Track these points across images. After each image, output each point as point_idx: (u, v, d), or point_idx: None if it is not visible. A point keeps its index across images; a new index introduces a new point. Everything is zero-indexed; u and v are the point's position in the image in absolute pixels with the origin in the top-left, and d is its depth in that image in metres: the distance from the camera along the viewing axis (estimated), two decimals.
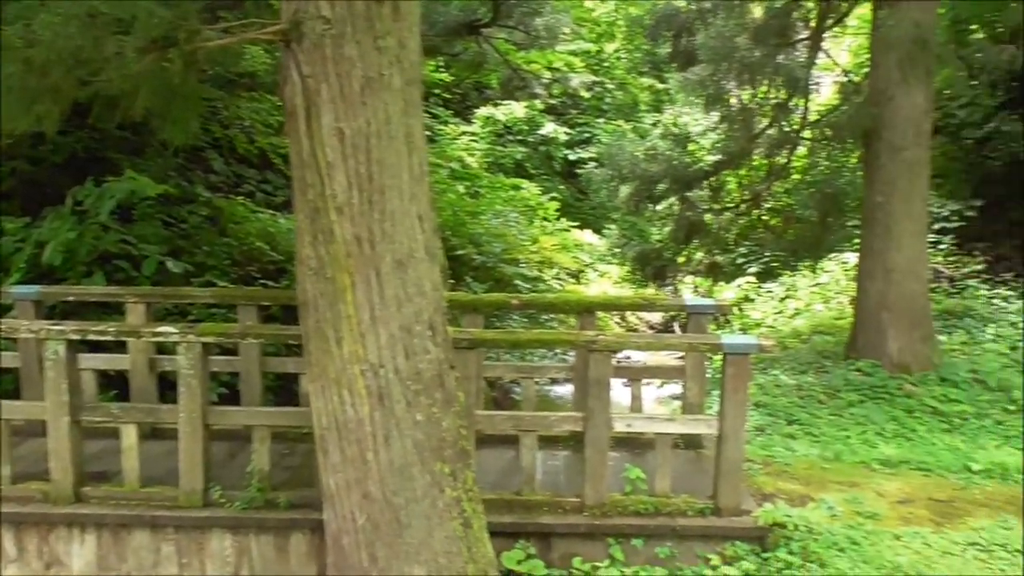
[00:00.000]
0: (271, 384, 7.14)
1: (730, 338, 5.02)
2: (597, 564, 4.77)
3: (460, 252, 11.48)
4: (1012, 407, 7.48)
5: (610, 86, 21.65)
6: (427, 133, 14.98)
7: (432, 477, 3.66)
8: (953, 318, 9.82)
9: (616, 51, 22.34)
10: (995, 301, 10.19)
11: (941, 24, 12.70)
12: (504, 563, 4.60)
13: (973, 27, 13.23)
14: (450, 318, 4.40)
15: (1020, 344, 8.98)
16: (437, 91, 17.49)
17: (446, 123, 17.58)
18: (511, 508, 4.98)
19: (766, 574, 4.68)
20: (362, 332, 3.51)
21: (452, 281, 10.07)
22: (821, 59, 10.49)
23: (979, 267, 11.42)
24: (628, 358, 11.41)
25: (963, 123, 13.18)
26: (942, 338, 9.04)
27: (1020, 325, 9.39)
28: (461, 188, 14.52)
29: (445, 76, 16.08)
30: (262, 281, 8.61)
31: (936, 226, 12.08)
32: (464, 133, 18.02)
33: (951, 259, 11.92)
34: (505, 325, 10.24)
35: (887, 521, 5.28)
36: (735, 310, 12.69)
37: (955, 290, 10.89)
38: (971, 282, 10.94)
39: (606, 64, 21.95)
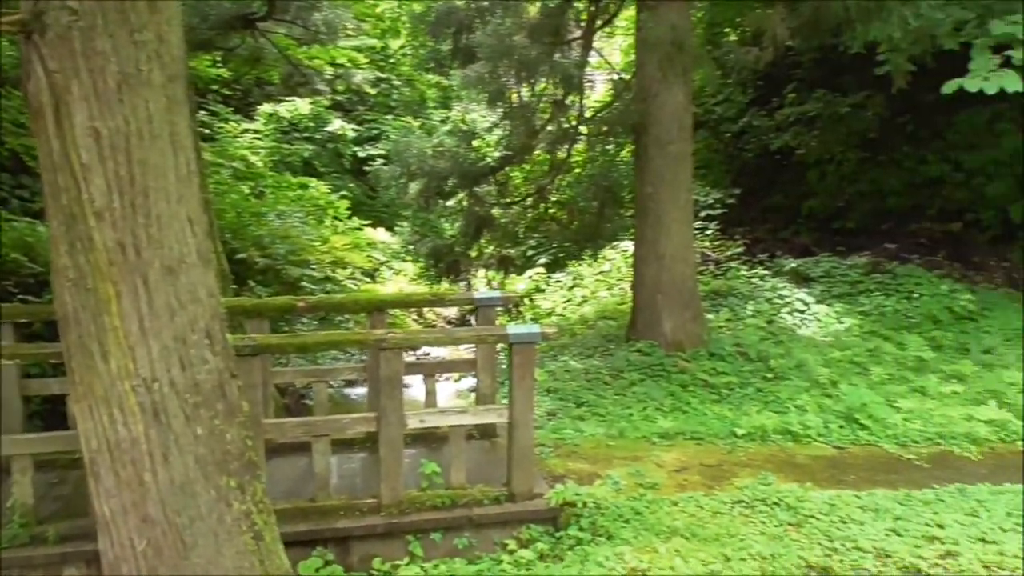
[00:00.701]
0: (38, 408, 6.54)
1: (515, 328, 5.20)
2: (397, 563, 4.78)
3: (243, 255, 11.01)
4: (770, 375, 8.28)
5: (397, 82, 21.59)
6: (206, 131, 14.13)
7: (218, 492, 3.51)
8: (719, 297, 10.71)
9: (402, 47, 22.30)
10: (753, 280, 11.22)
11: (698, 27, 13.78)
12: (301, 572, 4.51)
13: (726, 30, 14.46)
14: (233, 325, 4.24)
15: (775, 318, 9.98)
16: (215, 87, 16.66)
17: (227, 121, 16.79)
18: (306, 516, 4.88)
19: (559, 552, 4.89)
20: (131, 345, 3.30)
21: (235, 286, 9.63)
22: (595, 58, 11.06)
23: (739, 250, 12.53)
24: (428, 354, 11.50)
25: (721, 118, 14.41)
26: (710, 316, 9.84)
27: (774, 301, 10.42)
28: (245, 188, 13.92)
29: (223, 72, 15.35)
30: (21, 296, 7.83)
31: (702, 213, 13.15)
32: (247, 131, 17.30)
33: (716, 243, 13.00)
34: (295, 330, 9.97)
35: (666, 489, 5.69)
36: (527, 301, 13.11)
37: (720, 272, 11.88)
38: (733, 264, 11.99)
39: (392, 60, 21.85)
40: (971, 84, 6.81)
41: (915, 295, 10.07)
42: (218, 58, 13.86)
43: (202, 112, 15.34)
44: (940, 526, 4.93)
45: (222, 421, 3.52)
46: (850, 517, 5.12)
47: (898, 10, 6.37)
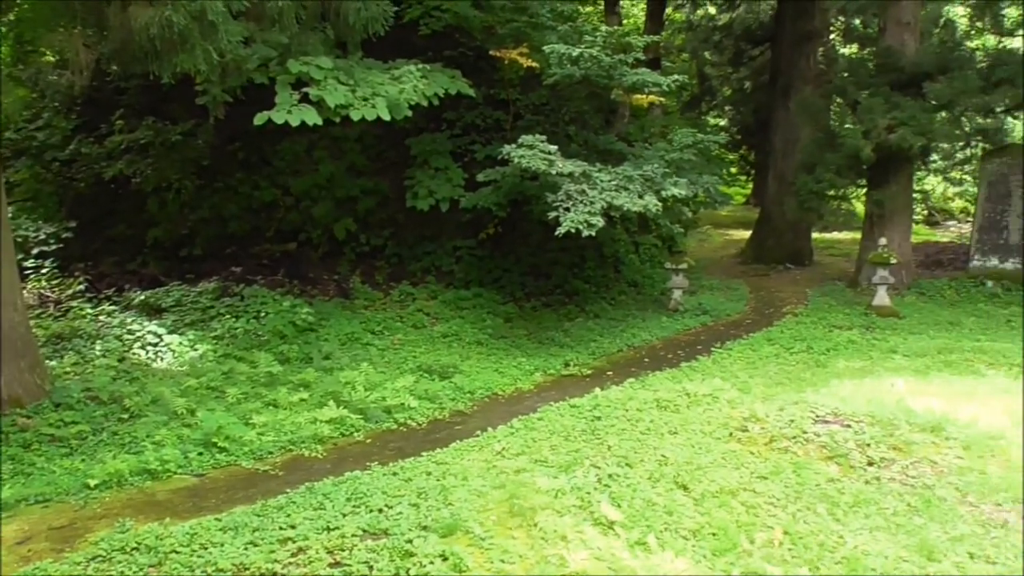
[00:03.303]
0: None
1: None
2: None
3: None
4: (125, 416, 7.88)
5: None
6: None
7: None
8: (62, 341, 9.82)
9: None
10: (101, 317, 10.56)
11: (3, 44, 12.40)
12: None
13: (41, 50, 13.28)
14: None
15: (127, 355, 9.56)
16: None
17: None
18: None
19: None
20: None
21: None
22: None
23: (82, 287, 11.66)
24: None
25: (44, 145, 13.21)
26: (52, 363, 8.97)
27: (125, 337, 9.97)
28: None
29: None
30: None
31: (34, 251, 11.88)
32: None
33: (54, 282, 11.87)
34: None
35: (8, 567, 4.99)
36: None
37: (61, 313, 10.89)
38: (76, 302, 11.09)
39: None
40: (277, 116, 7.50)
41: (262, 314, 10.65)
42: None
43: None
44: (292, 527, 5.28)
45: None
46: (211, 541, 5.16)
47: (201, 44, 6.62)
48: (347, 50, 9.21)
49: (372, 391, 8.49)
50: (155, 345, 9.88)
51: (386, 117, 8.52)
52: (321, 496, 5.83)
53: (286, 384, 8.74)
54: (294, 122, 7.59)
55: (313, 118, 7.74)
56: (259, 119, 7.62)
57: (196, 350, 9.78)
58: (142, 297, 11.19)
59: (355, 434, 7.62)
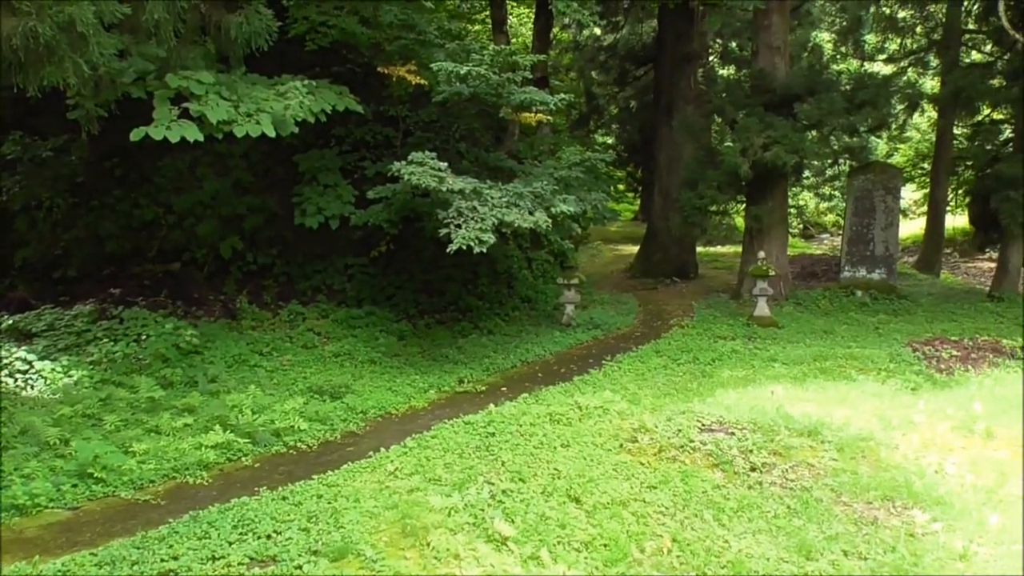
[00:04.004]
0: None
1: None
2: None
3: None
4: None
5: None
6: None
7: None
8: None
9: None
10: None
11: None
12: None
13: None
14: None
15: None
16: None
17: None
18: None
19: None
20: None
21: None
22: None
23: None
24: None
25: None
26: None
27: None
28: None
29: None
30: None
31: None
32: None
33: None
34: None
35: None
36: None
37: None
38: None
39: None
40: (155, 132, 7.23)
41: (143, 337, 10.18)
42: None
43: None
44: (175, 558, 5.08)
45: None
46: None
47: (70, 57, 6.32)
48: (230, 64, 8.97)
49: (260, 414, 8.25)
50: (25, 372, 9.31)
51: (271, 133, 8.34)
52: (206, 524, 5.62)
53: (169, 409, 8.38)
54: (173, 138, 7.32)
55: (194, 134, 7.50)
56: (136, 135, 7.32)
57: (71, 376, 9.27)
58: (10, 322, 10.56)
59: (243, 459, 7.39)
